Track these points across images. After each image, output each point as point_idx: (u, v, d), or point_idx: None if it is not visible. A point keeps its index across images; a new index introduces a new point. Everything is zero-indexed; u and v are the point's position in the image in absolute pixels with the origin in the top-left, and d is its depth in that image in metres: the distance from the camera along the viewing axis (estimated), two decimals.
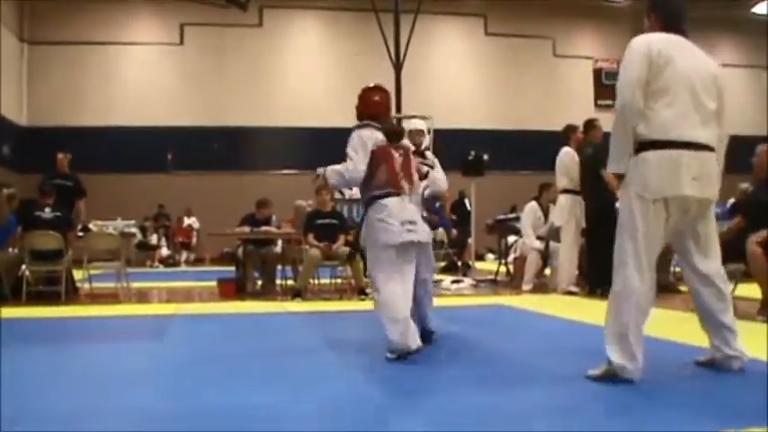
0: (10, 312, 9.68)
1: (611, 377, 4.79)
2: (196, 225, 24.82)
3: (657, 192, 4.84)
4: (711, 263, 5.20)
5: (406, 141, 6.84)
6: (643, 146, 4.92)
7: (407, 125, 8.35)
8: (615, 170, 5.14)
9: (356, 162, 6.47)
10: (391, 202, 6.31)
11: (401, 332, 5.96)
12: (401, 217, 6.26)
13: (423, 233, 6.41)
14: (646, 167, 4.88)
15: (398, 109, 22.32)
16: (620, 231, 4.98)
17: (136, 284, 12.88)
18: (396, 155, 6.46)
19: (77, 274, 12.35)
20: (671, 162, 4.85)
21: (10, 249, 11.85)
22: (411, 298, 6.33)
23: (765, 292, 8.41)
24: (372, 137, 6.51)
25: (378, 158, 6.41)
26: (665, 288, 11.63)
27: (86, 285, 12.20)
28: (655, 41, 4.98)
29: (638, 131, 4.92)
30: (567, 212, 11.70)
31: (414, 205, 6.45)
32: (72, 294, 11.79)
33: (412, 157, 6.68)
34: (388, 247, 6.23)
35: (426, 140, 8.30)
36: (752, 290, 8.51)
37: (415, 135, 8.13)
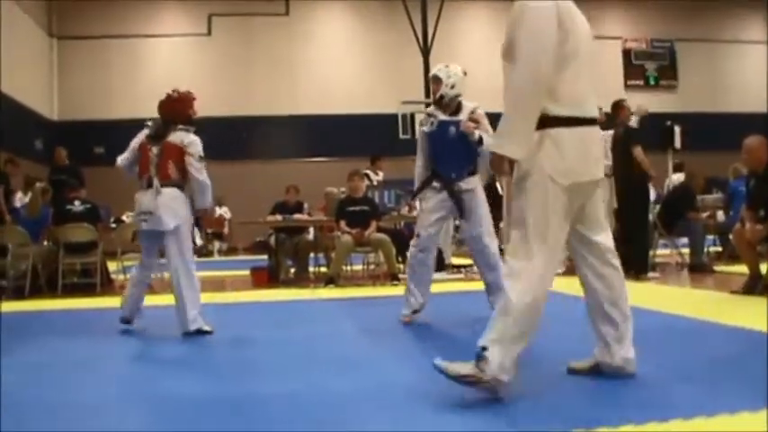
0: (46, 305, 9.79)
1: None
2: (227, 215, 24.90)
3: (573, 175, 4.17)
4: (611, 244, 4.60)
5: (173, 138, 7.23)
6: (551, 122, 4.14)
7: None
8: (514, 155, 4.10)
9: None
10: (138, 195, 7.21)
11: (124, 307, 7.51)
12: (139, 209, 7.16)
13: (155, 221, 7.03)
14: (558, 148, 4.14)
15: (428, 95, 22.28)
16: (522, 223, 4.19)
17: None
18: (152, 151, 7.23)
19: (111, 266, 12.42)
20: (582, 142, 4.21)
21: (45, 243, 11.95)
22: (143, 286, 7.71)
23: (751, 269, 8.62)
24: (140, 136, 7.51)
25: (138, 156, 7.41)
26: (700, 268, 11.60)
27: (120, 277, 12.27)
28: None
29: (545, 105, 4.12)
30: None
31: (163, 196, 7.02)
32: (107, 286, 11.88)
33: (187, 151, 7.16)
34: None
35: (446, 89, 7.64)
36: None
37: (432, 83, 7.83)
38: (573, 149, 4.16)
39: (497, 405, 4.01)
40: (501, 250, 16.90)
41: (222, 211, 25.03)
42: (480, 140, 7.27)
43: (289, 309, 8.88)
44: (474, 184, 7.56)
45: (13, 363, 5.88)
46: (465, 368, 4.10)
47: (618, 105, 11.60)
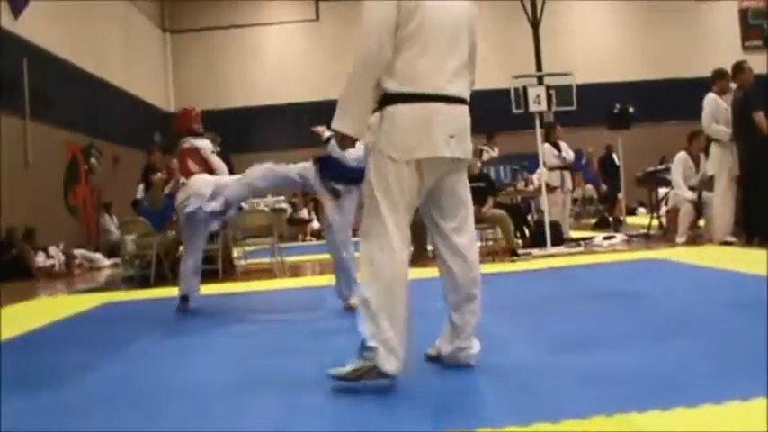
0: (171, 292, 10.01)
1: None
2: None
3: (408, 151, 4.17)
4: (465, 235, 4.55)
5: (185, 144, 8.55)
6: (390, 99, 4.21)
7: None
8: (345, 129, 4.23)
9: None
10: None
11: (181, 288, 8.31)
12: None
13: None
14: (394, 124, 4.19)
15: (539, 68, 22.09)
16: (371, 201, 4.24)
17: (289, 259, 13.10)
18: (172, 162, 9.26)
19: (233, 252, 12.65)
20: (424, 118, 4.19)
21: (168, 232, 12.23)
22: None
23: None
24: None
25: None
26: None
27: (242, 262, 12.50)
28: None
29: (385, 84, 4.21)
30: (719, 160, 11.37)
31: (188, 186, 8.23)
32: (229, 272, 12.10)
33: (202, 152, 8.47)
34: None
35: None
36: None
37: None
38: (410, 125, 4.17)
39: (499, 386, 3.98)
40: (619, 220, 16.73)
41: None
42: (328, 140, 7.35)
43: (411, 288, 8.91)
44: None
45: (138, 349, 6.08)
46: (351, 365, 4.16)
47: (738, 68, 11.25)
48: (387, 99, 4.21)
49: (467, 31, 4.44)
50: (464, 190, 4.54)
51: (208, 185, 8.01)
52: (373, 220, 4.23)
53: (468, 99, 4.48)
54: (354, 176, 7.17)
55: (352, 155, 7.18)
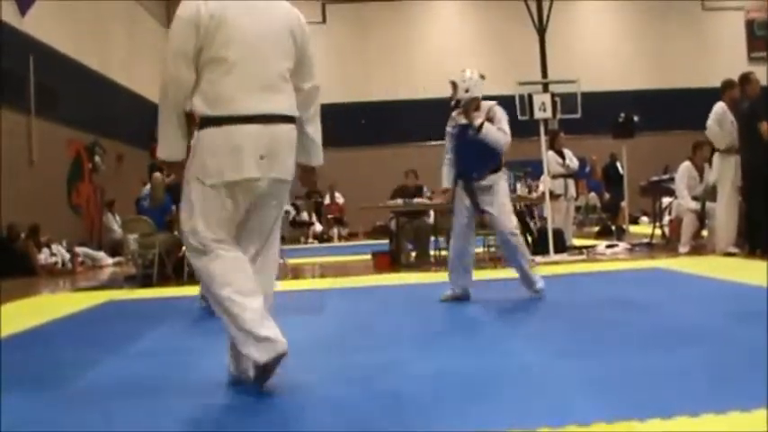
0: (173, 291, 10.03)
1: None
2: (340, 200, 25.12)
3: (217, 175, 4.10)
4: (260, 258, 4.43)
5: None
6: (203, 123, 4.16)
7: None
8: (161, 155, 4.38)
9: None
10: None
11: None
12: None
13: None
14: (203, 148, 4.14)
15: (544, 74, 22.09)
16: (189, 222, 4.26)
17: (291, 261, 13.09)
18: None
19: None
20: (230, 141, 4.10)
21: (170, 233, 12.22)
22: None
23: None
24: None
25: None
26: None
27: None
28: (206, 2, 4.16)
29: (197, 108, 4.17)
30: (723, 170, 11.34)
31: None
32: None
33: None
34: None
35: (461, 93, 7.81)
36: None
37: (451, 89, 8.05)
38: (217, 148, 4.12)
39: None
40: (622, 229, 16.71)
41: (335, 197, 25.28)
42: (480, 127, 7.55)
43: (410, 292, 8.91)
44: (493, 181, 7.72)
45: (139, 348, 6.08)
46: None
47: (745, 79, 11.21)
48: (201, 122, 4.18)
49: (288, 41, 4.33)
50: (276, 211, 4.44)
51: None
52: (192, 240, 4.27)
53: (292, 113, 4.35)
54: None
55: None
